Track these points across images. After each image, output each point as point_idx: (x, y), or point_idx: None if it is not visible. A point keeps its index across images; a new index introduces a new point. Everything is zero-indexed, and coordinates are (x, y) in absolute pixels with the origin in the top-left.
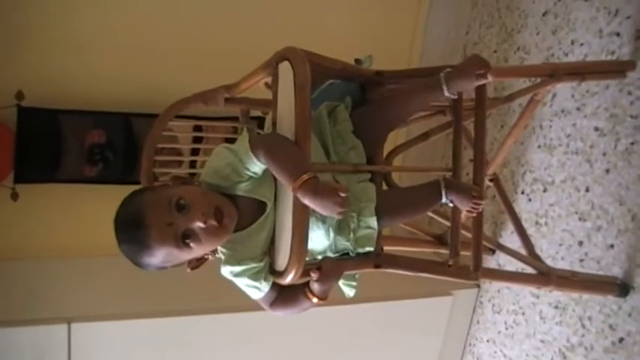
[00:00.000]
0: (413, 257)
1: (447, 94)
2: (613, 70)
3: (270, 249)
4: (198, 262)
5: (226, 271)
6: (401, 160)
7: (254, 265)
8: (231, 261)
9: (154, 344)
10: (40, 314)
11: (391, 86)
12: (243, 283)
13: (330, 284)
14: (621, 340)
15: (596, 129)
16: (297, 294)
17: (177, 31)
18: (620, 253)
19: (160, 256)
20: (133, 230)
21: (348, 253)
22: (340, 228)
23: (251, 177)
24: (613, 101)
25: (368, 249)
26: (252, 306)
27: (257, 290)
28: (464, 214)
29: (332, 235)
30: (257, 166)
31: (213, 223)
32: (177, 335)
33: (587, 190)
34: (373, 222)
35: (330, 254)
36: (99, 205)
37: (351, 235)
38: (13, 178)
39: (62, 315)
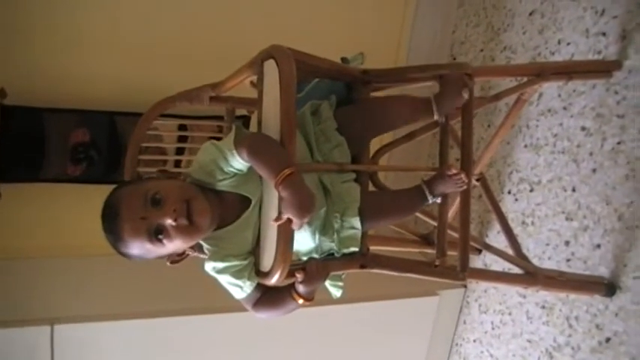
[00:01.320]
0: (399, 257)
1: (436, 117)
2: (599, 69)
3: (256, 249)
4: (178, 257)
5: (209, 267)
6: (387, 160)
7: (237, 262)
8: (214, 257)
9: (139, 345)
10: (22, 316)
11: (378, 85)
12: (226, 281)
13: (315, 285)
14: (608, 339)
15: (583, 128)
16: (282, 295)
17: (163, 29)
18: (607, 252)
19: (134, 248)
20: (110, 222)
21: (333, 254)
22: (324, 228)
23: (236, 174)
24: (600, 101)
25: (352, 249)
26: (238, 307)
27: (239, 289)
28: (451, 211)
29: (317, 236)
30: (240, 164)
31: (184, 221)
32: (162, 336)
33: (574, 189)
34: (356, 222)
35: (315, 255)
36: (82, 204)
37: (335, 235)
38: None
39: (45, 316)
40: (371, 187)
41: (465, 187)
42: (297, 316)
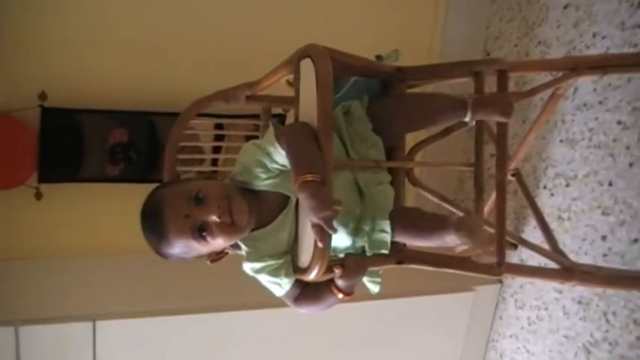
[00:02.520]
0: (435, 253)
1: (468, 119)
2: (636, 63)
3: (293, 245)
4: (217, 256)
5: (247, 267)
6: (421, 156)
7: (273, 262)
8: (251, 258)
9: (179, 341)
10: (64, 312)
11: (413, 82)
12: (264, 280)
13: (354, 280)
14: None
15: (619, 122)
16: (322, 290)
17: (199, 30)
18: None
19: (178, 247)
20: (152, 221)
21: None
22: (356, 229)
23: (280, 171)
24: (635, 94)
25: (383, 251)
26: (275, 303)
27: (278, 287)
28: (487, 207)
29: (352, 236)
30: (282, 157)
31: (227, 218)
32: (202, 332)
33: (611, 184)
34: (386, 225)
35: (351, 252)
36: (121, 203)
37: (366, 237)
38: (37, 178)
39: (87, 312)
40: (407, 185)
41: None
42: (332, 312)
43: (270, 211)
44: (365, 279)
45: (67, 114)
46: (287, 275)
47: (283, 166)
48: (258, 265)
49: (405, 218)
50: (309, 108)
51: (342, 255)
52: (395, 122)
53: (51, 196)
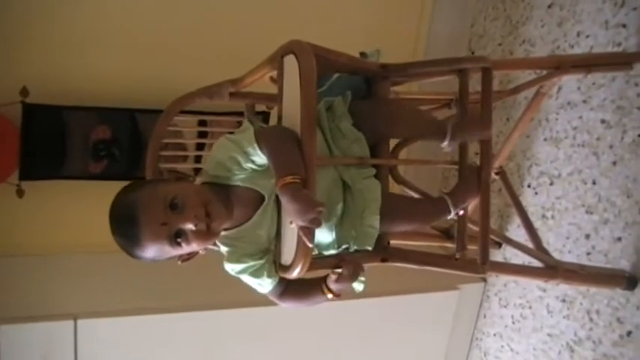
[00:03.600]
0: (420, 251)
1: (445, 145)
2: (619, 62)
3: (276, 242)
4: (189, 256)
5: (228, 268)
6: (406, 154)
7: (253, 262)
8: (231, 259)
9: (162, 340)
10: (46, 311)
11: (397, 79)
12: (247, 280)
13: (350, 283)
14: (629, 333)
15: (603, 121)
16: (310, 287)
17: (182, 26)
18: (628, 245)
19: (151, 251)
20: (127, 226)
21: (347, 248)
22: (342, 224)
23: (253, 169)
24: (619, 93)
25: (367, 248)
26: (260, 301)
27: (260, 287)
28: (471, 205)
29: (335, 232)
30: (261, 158)
31: (204, 227)
32: (184, 331)
33: (594, 182)
34: (375, 221)
35: (332, 250)
36: (104, 201)
37: (353, 232)
38: (19, 175)
39: (68, 311)
40: (391, 181)
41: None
42: (317, 311)
43: (244, 208)
44: None
45: (49, 110)
46: (269, 275)
47: (259, 166)
48: (238, 266)
49: (393, 211)
50: (292, 105)
51: (325, 252)
52: (376, 125)
53: (33, 193)
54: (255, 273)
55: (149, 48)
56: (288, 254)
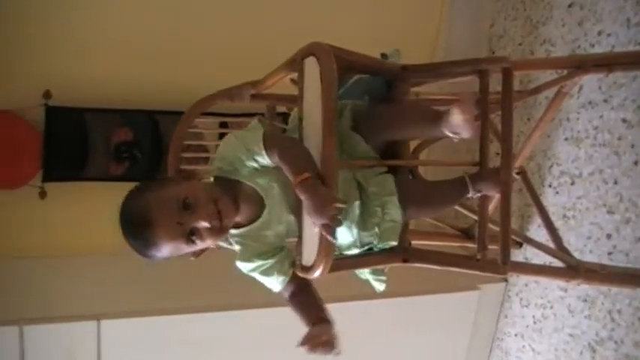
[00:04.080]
0: (441, 251)
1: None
2: None
3: (297, 244)
4: (201, 251)
5: (240, 266)
6: (426, 155)
7: (262, 262)
8: (242, 257)
9: (183, 340)
10: (69, 311)
11: (417, 80)
12: (259, 278)
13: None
14: None
15: (624, 121)
16: (309, 307)
17: (203, 29)
18: None
19: (167, 250)
20: (142, 228)
21: (372, 249)
22: (364, 222)
23: (255, 168)
24: None
25: (392, 243)
26: (278, 302)
27: (271, 285)
28: (492, 205)
29: (355, 231)
30: (264, 159)
31: (217, 223)
32: (205, 331)
33: (616, 182)
34: (397, 215)
35: (354, 250)
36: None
37: (376, 229)
38: (42, 177)
39: (92, 312)
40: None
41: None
42: (337, 310)
43: (250, 204)
44: (370, 277)
45: (72, 113)
46: (280, 273)
47: (261, 166)
48: (249, 265)
49: (414, 198)
50: (312, 106)
51: (346, 252)
52: (385, 131)
53: (55, 195)
54: (266, 272)
55: (171, 50)
56: (309, 255)
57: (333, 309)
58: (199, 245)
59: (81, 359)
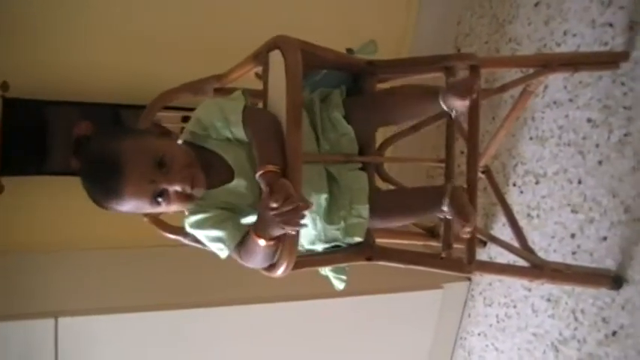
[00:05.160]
0: (405, 249)
1: (444, 107)
2: (606, 61)
3: None
4: (157, 214)
5: (189, 222)
6: (391, 151)
7: (218, 212)
8: (194, 211)
9: (143, 339)
10: (26, 309)
11: (384, 76)
12: (206, 236)
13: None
14: (614, 333)
15: (589, 120)
16: (248, 241)
17: (166, 21)
18: (614, 245)
19: (127, 206)
20: (109, 174)
21: (339, 246)
22: (330, 216)
23: (228, 139)
24: (606, 92)
25: (357, 239)
26: (241, 299)
27: (222, 245)
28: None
29: (320, 224)
30: (239, 132)
31: (189, 190)
32: (165, 329)
33: (580, 182)
34: (365, 211)
35: (319, 244)
36: (86, 198)
37: (342, 223)
38: None
39: (49, 309)
40: (377, 179)
41: (462, 236)
42: (298, 308)
43: (214, 174)
44: (330, 274)
45: (30, 105)
46: (233, 229)
47: (235, 138)
48: (201, 216)
49: (385, 200)
50: (277, 100)
51: (308, 246)
52: (367, 118)
53: (13, 189)
54: (219, 224)
55: (133, 42)
56: None
57: (294, 307)
58: (162, 208)
59: (38, 357)
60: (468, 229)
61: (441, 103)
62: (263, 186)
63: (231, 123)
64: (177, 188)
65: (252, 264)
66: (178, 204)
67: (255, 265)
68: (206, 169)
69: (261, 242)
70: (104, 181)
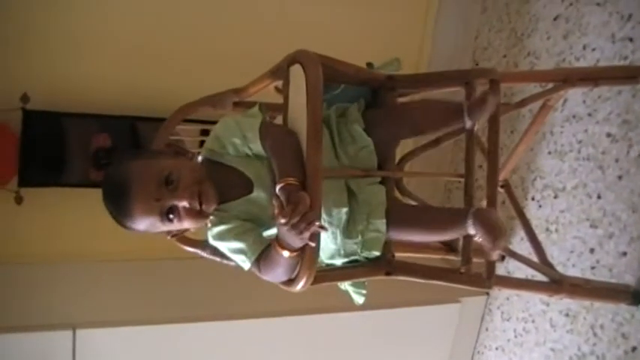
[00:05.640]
0: (424, 264)
1: (468, 125)
2: (626, 75)
3: None
4: (178, 232)
5: (211, 233)
6: (409, 167)
7: (240, 223)
8: (216, 222)
9: (160, 351)
10: (44, 320)
11: (403, 91)
12: (229, 247)
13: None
14: (634, 349)
15: (609, 135)
16: (271, 253)
17: (186, 34)
18: (633, 260)
19: (142, 224)
20: (119, 196)
21: (357, 260)
22: (348, 230)
23: (247, 155)
24: (625, 107)
25: (375, 253)
26: (259, 312)
27: (243, 256)
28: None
29: (339, 238)
30: (257, 147)
31: (197, 205)
32: (182, 342)
33: (599, 196)
34: (382, 225)
35: (338, 259)
36: (104, 209)
37: (359, 237)
38: (18, 182)
39: (67, 321)
40: (396, 194)
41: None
42: (315, 322)
43: (233, 190)
44: (350, 289)
45: (50, 117)
46: (255, 242)
47: (254, 154)
48: (224, 227)
49: (404, 213)
50: (297, 115)
51: (328, 261)
52: (387, 131)
53: (32, 200)
54: (241, 236)
55: (152, 56)
56: None
57: (312, 320)
58: (176, 225)
59: None
60: (497, 250)
61: (465, 117)
62: (283, 199)
63: (249, 140)
64: (185, 204)
65: (272, 277)
66: (190, 220)
67: (275, 278)
68: (224, 184)
69: (285, 253)
70: (115, 202)
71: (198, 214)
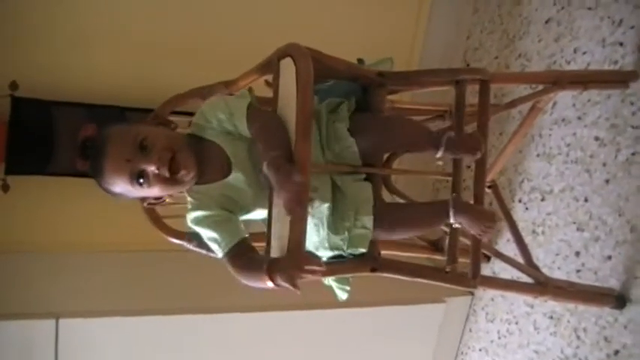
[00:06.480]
0: (410, 262)
1: (439, 155)
2: (616, 79)
3: (267, 235)
4: (155, 202)
5: (190, 217)
6: (397, 164)
7: (218, 212)
8: (195, 207)
9: (143, 342)
10: (27, 309)
11: (393, 87)
12: (205, 234)
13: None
14: (616, 352)
15: (597, 139)
16: (255, 265)
17: (176, 25)
18: (618, 264)
19: (115, 186)
20: (96, 156)
21: (342, 256)
22: (335, 225)
23: (230, 132)
24: (614, 111)
25: (361, 250)
26: (243, 307)
27: (217, 246)
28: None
29: (323, 231)
30: (242, 126)
31: (165, 172)
32: (166, 333)
33: (586, 200)
34: (369, 222)
35: (322, 251)
36: (91, 199)
37: (346, 233)
38: (5, 169)
39: (50, 310)
40: (384, 192)
41: (484, 239)
42: (299, 318)
43: (215, 166)
44: (334, 284)
45: (38, 105)
46: (230, 233)
47: (237, 133)
48: (201, 213)
49: (389, 212)
50: (287, 108)
51: (316, 252)
52: (373, 136)
53: (18, 188)
54: (217, 225)
55: (142, 46)
56: (279, 248)
57: (295, 316)
58: (147, 191)
59: (38, 358)
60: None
61: (439, 155)
62: (271, 176)
63: (235, 117)
64: (153, 169)
65: (242, 279)
66: (161, 186)
67: (244, 282)
68: (203, 161)
69: (269, 284)
70: (92, 160)
71: (168, 181)
